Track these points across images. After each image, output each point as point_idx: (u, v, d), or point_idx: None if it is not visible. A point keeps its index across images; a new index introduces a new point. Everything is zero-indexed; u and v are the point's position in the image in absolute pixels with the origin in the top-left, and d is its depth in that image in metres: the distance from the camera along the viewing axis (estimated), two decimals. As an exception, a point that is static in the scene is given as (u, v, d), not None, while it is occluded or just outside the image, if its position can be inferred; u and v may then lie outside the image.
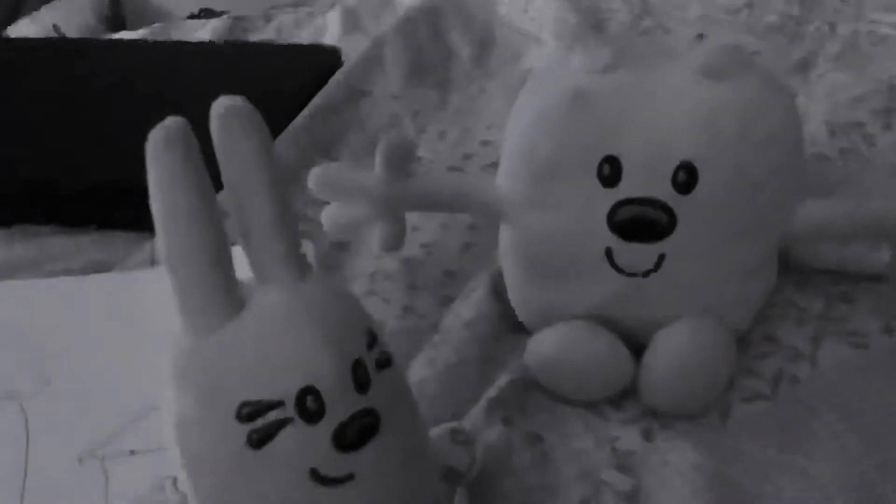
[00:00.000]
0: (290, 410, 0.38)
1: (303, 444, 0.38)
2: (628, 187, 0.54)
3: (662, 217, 0.54)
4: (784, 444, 0.54)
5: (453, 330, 0.63)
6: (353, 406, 0.39)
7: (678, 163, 0.53)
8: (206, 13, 1.77)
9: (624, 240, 0.55)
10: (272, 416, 0.38)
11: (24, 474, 0.56)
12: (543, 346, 0.58)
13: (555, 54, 0.97)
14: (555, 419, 0.57)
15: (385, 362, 0.41)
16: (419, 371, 0.61)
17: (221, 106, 0.40)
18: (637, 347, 0.57)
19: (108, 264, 0.74)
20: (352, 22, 1.14)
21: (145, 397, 0.52)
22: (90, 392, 0.60)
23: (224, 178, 0.41)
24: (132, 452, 0.56)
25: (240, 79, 0.96)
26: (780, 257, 0.60)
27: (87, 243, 0.77)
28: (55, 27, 1.84)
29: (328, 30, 1.14)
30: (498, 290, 0.64)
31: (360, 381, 0.39)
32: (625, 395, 0.58)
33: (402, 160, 0.62)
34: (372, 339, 0.41)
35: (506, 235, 0.60)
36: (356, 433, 0.39)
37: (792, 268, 0.63)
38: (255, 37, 1.16)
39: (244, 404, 0.38)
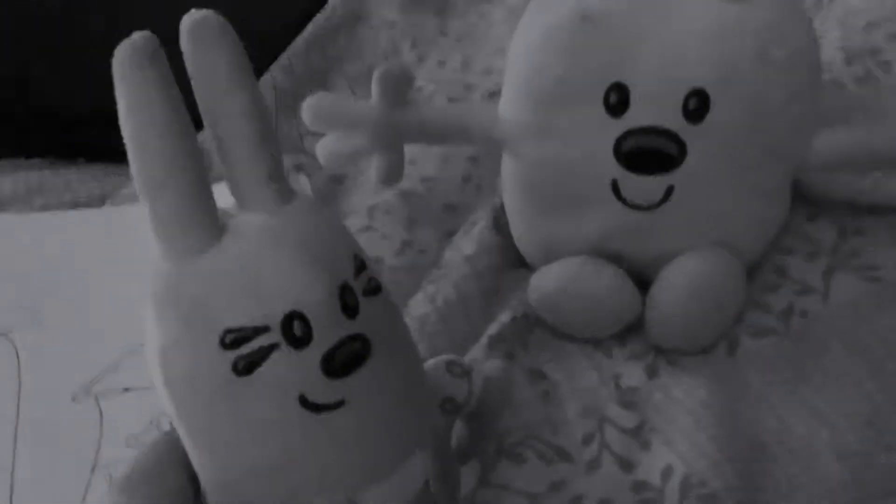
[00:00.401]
0: (276, 336, 0.37)
1: (290, 370, 0.37)
2: (636, 116, 0.52)
3: (671, 147, 0.52)
4: (793, 380, 0.53)
5: (454, 265, 0.62)
6: (342, 331, 0.38)
7: (689, 90, 0.51)
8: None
9: (631, 171, 0.53)
10: (258, 342, 0.36)
11: (16, 412, 0.55)
12: (546, 281, 0.56)
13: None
14: (558, 356, 0.56)
15: (374, 289, 0.40)
16: (419, 307, 0.60)
17: (191, 20, 0.38)
18: (644, 282, 0.56)
19: (99, 198, 0.73)
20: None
21: (139, 333, 0.50)
22: (83, 328, 0.59)
23: (198, 99, 0.39)
24: (126, 389, 0.55)
25: (234, 7, 0.93)
26: (792, 188, 0.58)
27: (76, 177, 0.75)
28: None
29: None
30: (500, 224, 0.63)
31: (348, 305, 0.38)
32: (630, 332, 0.57)
33: (399, 90, 0.59)
34: (360, 265, 0.40)
35: (508, 167, 0.58)
36: (345, 358, 0.38)
37: (804, 199, 0.61)
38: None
39: (228, 331, 0.36)
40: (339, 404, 0.38)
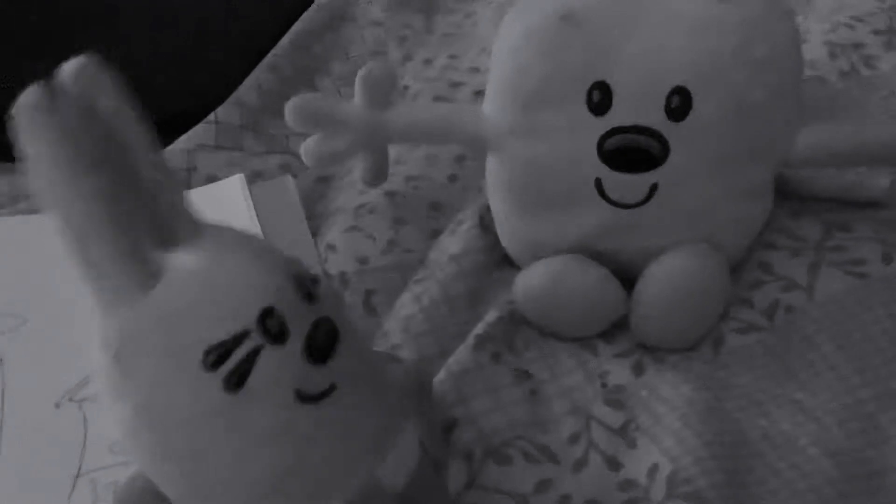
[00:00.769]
0: (257, 338, 0.36)
1: (280, 367, 0.36)
2: (619, 115, 0.52)
3: (654, 146, 0.52)
4: (779, 376, 0.53)
5: (440, 264, 0.62)
6: (310, 317, 0.38)
7: (672, 88, 0.51)
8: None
9: (614, 170, 0.53)
10: (241, 350, 0.36)
11: (1, 417, 0.54)
12: (532, 280, 0.56)
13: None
14: (544, 355, 0.56)
15: (315, 278, 0.40)
16: (405, 307, 0.60)
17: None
18: (629, 280, 0.56)
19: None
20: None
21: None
22: (68, 334, 0.59)
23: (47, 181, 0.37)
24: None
25: (219, 8, 0.93)
26: (776, 184, 0.58)
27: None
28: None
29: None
30: (485, 224, 0.63)
31: (306, 293, 0.38)
32: (616, 330, 0.57)
33: (383, 89, 0.59)
34: (293, 264, 0.40)
35: (493, 166, 0.58)
36: (324, 340, 0.37)
37: (788, 195, 0.61)
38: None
39: (208, 350, 0.36)
40: (331, 390, 0.38)
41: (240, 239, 0.39)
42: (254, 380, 0.36)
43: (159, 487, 0.39)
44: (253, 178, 0.72)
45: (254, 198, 0.68)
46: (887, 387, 0.52)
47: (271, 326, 0.36)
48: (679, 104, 0.51)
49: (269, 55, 0.85)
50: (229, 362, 0.36)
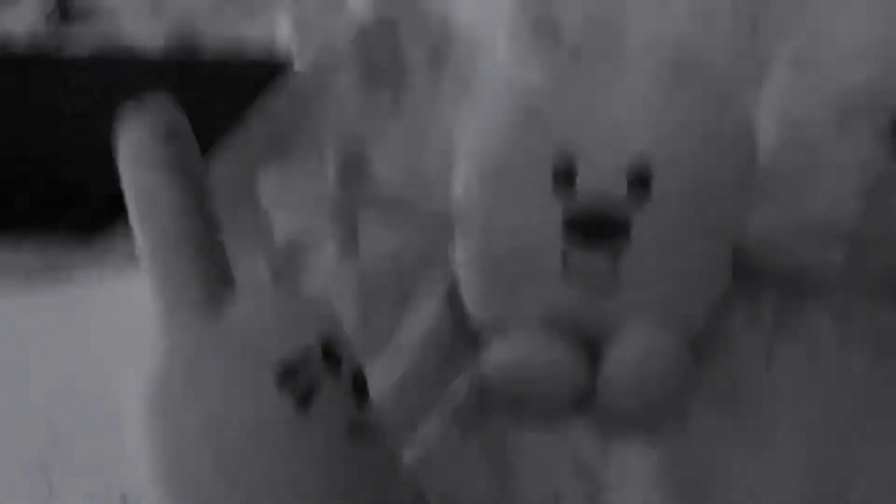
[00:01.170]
0: (318, 364, 0.38)
1: (337, 396, 0.39)
2: (584, 188, 0.54)
3: (618, 219, 0.53)
4: (742, 447, 0.54)
5: (410, 338, 0.62)
6: (350, 360, 0.41)
7: (633, 164, 0.53)
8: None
9: (579, 243, 0.54)
10: (309, 369, 0.38)
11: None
12: (500, 353, 0.57)
13: (510, 54, 0.96)
14: (513, 427, 0.56)
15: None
16: (375, 381, 0.59)
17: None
18: (595, 351, 0.57)
19: (51, 270, 0.72)
20: (303, 26, 1.13)
21: (91, 410, 0.49)
22: (36, 402, 0.58)
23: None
24: (75, 465, 0.54)
25: (193, 89, 0.94)
26: (733, 259, 0.60)
27: (29, 251, 0.75)
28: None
29: (279, 34, 1.12)
30: (454, 297, 0.63)
31: (346, 340, 0.42)
32: (583, 401, 0.57)
33: (354, 166, 0.60)
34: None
35: (461, 240, 0.59)
36: (365, 380, 0.41)
37: (745, 270, 0.63)
38: (204, 27, 1.13)
39: (284, 363, 0.37)
40: (375, 427, 0.40)
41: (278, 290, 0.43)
42: (318, 403, 0.38)
43: None
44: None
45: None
46: (847, 461, 0.53)
47: (330, 351, 0.39)
48: (642, 179, 0.53)
49: (240, 134, 0.86)
50: (300, 380, 0.37)
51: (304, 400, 0.37)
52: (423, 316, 0.64)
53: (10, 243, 0.76)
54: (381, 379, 0.59)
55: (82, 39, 1.18)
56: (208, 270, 0.38)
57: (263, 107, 0.90)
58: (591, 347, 0.57)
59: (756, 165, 0.57)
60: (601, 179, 0.53)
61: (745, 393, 0.57)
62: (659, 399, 0.56)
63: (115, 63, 1.07)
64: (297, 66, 1.00)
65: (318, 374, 0.38)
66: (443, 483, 0.53)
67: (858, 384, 0.56)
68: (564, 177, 0.53)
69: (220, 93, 0.95)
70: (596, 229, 0.54)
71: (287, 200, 0.62)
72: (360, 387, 0.40)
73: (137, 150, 0.37)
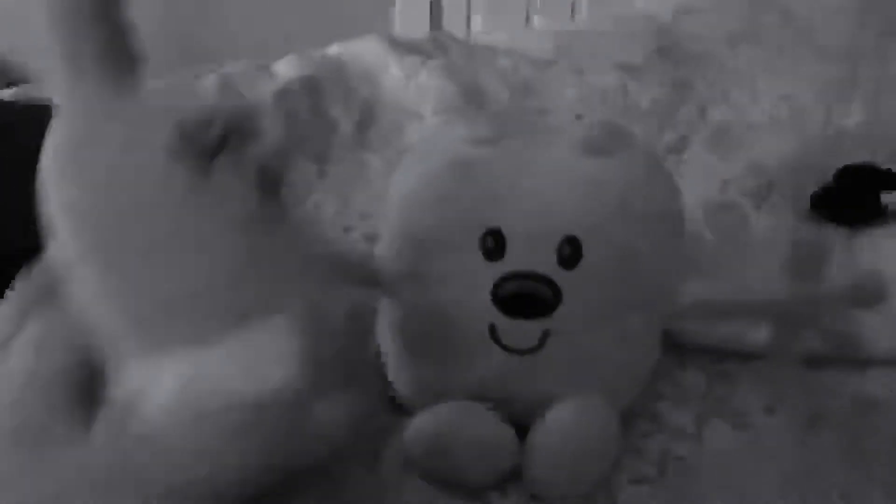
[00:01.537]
0: (218, 135, 0.38)
1: (235, 179, 0.39)
2: (512, 261, 0.53)
3: (547, 292, 0.52)
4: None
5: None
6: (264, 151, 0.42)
7: (562, 237, 0.52)
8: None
9: (508, 316, 0.53)
10: (206, 139, 0.37)
11: None
12: (422, 429, 0.55)
13: (437, 124, 0.96)
14: (436, 506, 0.54)
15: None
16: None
17: None
18: (523, 427, 0.55)
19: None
20: (227, 90, 1.11)
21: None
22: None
23: None
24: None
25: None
26: (662, 334, 0.59)
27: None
28: None
29: (203, 97, 1.11)
30: (378, 369, 0.61)
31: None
32: (510, 479, 0.55)
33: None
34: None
35: (385, 311, 0.57)
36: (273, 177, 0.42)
37: (672, 345, 0.62)
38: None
39: (179, 124, 0.36)
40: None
41: None
42: (215, 174, 0.36)
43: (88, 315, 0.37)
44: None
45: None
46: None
47: (235, 129, 0.38)
48: (570, 253, 0.52)
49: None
50: (197, 146, 0.36)
51: (200, 166, 0.36)
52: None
53: None
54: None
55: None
56: (109, 45, 0.38)
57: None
58: (519, 423, 0.55)
59: (682, 240, 0.57)
60: (530, 255, 0.52)
61: (675, 473, 0.55)
62: (588, 476, 0.54)
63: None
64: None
65: (218, 144, 0.37)
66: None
67: (788, 457, 0.55)
68: (493, 250, 0.52)
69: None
70: (525, 306, 0.52)
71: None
72: (266, 184, 0.38)
73: None
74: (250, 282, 0.38)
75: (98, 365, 0.38)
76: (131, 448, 0.36)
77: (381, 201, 0.59)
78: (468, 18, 1.68)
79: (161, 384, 0.36)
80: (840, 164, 0.84)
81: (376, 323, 0.53)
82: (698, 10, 1.23)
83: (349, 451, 0.55)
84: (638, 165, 0.55)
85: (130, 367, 0.37)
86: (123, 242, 0.37)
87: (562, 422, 0.54)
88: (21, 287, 0.40)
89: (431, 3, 1.69)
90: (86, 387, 0.37)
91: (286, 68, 1.16)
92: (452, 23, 1.65)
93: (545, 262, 0.52)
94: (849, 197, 0.80)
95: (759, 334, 0.62)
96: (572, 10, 1.63)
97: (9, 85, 1.18)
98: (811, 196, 0.80)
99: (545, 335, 0.53)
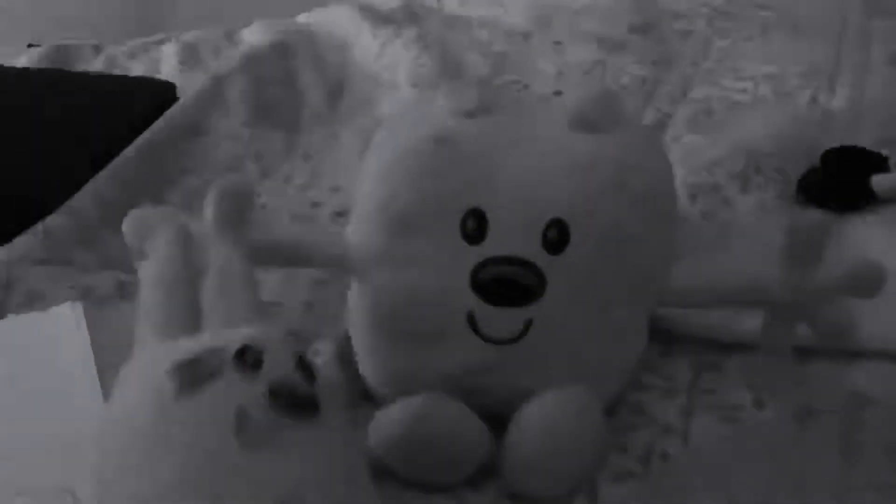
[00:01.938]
0: (220, 360, 0.40)
1: (236, 392, 0.40)
2: (494, 244, 0.49)
3: (531, 279, 0.49)
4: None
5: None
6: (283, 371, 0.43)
7: (549, 219, 0.49)
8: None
9: (488, 303, 0.50)
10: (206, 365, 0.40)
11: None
12: (388, 422, 0.52)
13: (414, 96, 0.93)
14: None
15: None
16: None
17: None
18: (501, 421, 0.52)
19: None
20: (190, 56, 1.06)
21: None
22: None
23: None
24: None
25: (60, 109, 0.87)
26: (649, 321, 0.56)
27: None
28: None
29: (164, 63, 1.06)
30: (345, 356, 0.58)
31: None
32: (485, 476, 0.52)
33: (237, 207, 0.54)
34: None
35: (356, 294, 0.54)
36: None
37: (658, 334, 0.60)
38: (81, 68, 1.06)
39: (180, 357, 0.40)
40: None
41: None
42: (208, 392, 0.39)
43: None
44: (82, 296, 0.65)
45: (88, 325, 0.61)
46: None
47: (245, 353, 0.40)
48: (556, 236, 0.49)
49: (113, 164, 0.79)
50: (193, 371, 0.39)
51: (190, 386, 0.39)
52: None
53: None
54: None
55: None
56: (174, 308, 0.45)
57: (141, 136, 0.84)
58: (496, 417, 0.52)
59: (675, 221, 0.54)
60: (514, 238, 0.49)
61: (659, 469, 0.53)
62: (568, 475, 0.51)
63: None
64: (182, 95, 0.94)
65: (218, 368, 0.39)
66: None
67: (778, 452, 0.53)
68: (474, 232, 0.49)
69: (94, 119, 0.87)
70: (507, 292, 0.49)
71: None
72: (287, 401, 0.40)
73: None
74: None
75: None
76: None
77: (352, 175, 0.55)
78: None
79: None
80: (826, 147, 0.82)
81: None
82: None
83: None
84: (634, 143, 0.52)
85: None
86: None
87: (542, 416, 0.51)
88: None
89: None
90: None
91: (253, 36, 1.12)
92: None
93: (529, 246, 0.49)
94: (836, 180, 0.77)
95: (749, 323, 0.59)
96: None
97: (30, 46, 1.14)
98: (798, 180, 0.78)
99: (527, 324, 0.50)
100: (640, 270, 0.52)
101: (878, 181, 0.76)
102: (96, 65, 1.07)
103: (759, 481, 0.52)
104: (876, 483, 0.52)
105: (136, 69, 1.06)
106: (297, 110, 0.95)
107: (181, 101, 0.92)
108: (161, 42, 1.12)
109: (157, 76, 1.02)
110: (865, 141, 0.83)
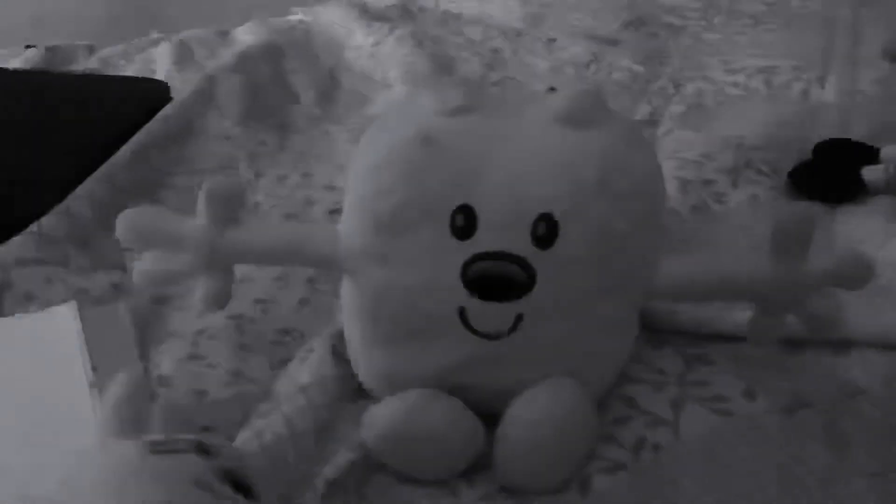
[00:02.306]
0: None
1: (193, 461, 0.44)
2: (484, 240, 0.49)
3: (521, 274, 0.49)
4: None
5: (286, 397, 0.57)
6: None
7: (538, 215, 0.49)
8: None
9: (479, 298, 0.50)
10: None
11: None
12: (381, 418, 0.52)
13: (404, 94, 0.93)
14: (400, 502, 0.51)
15: None
16: (245, 445, 0.53)
17: None
18: (493, 415, 0.52)
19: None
20: (184, 56, 1.07)
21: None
22: None
23: None
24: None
25: (54, 111, 0.87)
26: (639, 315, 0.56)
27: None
28: None
29: (158, 63, 1.06)
30: (338, 352, 0.58)
31: None
32: (478, 469, 0.52)
33: (228, 206, 0.55)
34: None
35: (348, 291, 0.54)
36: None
37: (649, 327, 0.60)
38: (75, 69, 1.06)
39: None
40: None
41: None
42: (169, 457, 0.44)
43: None
44: (78, 296, 0.65)
45: (83, 324, 0.61)
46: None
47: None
48: (545, 231, 0.49)
49: (106, 164, 0.79)
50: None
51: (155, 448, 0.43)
52: (304, 371, 0.58)
53: None
54: (252, 442, 0.53)
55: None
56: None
57: (135, 136, 0.84)
58: (488, 411, 0.52)
59: (664, 216, 0.54)
60: (503, 234, 0.49)
61: (651, 461, 0.53)
62: (560, 469, 0.52)
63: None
64: (175, 95, 0.94)
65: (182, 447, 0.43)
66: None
67: (769, 443, 0.53)
68: (463, 228, 0.49)
69: (89, 119, 0.87)
70: (497, 287, 0.49)
71: (149, 240, 0.55)
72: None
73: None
74: None
75: None
76: None
77: (345, 173, 0.55)
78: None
79: None
80: (817, 139, 0.82)
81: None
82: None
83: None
84: (619, 138, 0.52)
85: None
86: None
87: (534, 409, 0.51)
88: None
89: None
90: None
91: (246, 35, 1.12)
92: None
93: (518, 242, 0.49)
94: (827, 172, 0.78)
95: (735, 317, 0.59)
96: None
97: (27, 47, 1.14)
98: (789, 172, 0.78)
99: (518, 319, 0.50)
100: (630, 265, 0.52)
101: (870, 173, 0.76)
102: (90, 65, 1.07)
103: (750, 471, 0.52)
104: (864, 472, 0.52)
105: (130, 69, 1.06)
106: (289, 110, 0.95)
107: (175, 101, 0.92)
108: (155, 42, 1.12)
109: (151, 76, 1.02)
110: (856, 133, 0.84)
